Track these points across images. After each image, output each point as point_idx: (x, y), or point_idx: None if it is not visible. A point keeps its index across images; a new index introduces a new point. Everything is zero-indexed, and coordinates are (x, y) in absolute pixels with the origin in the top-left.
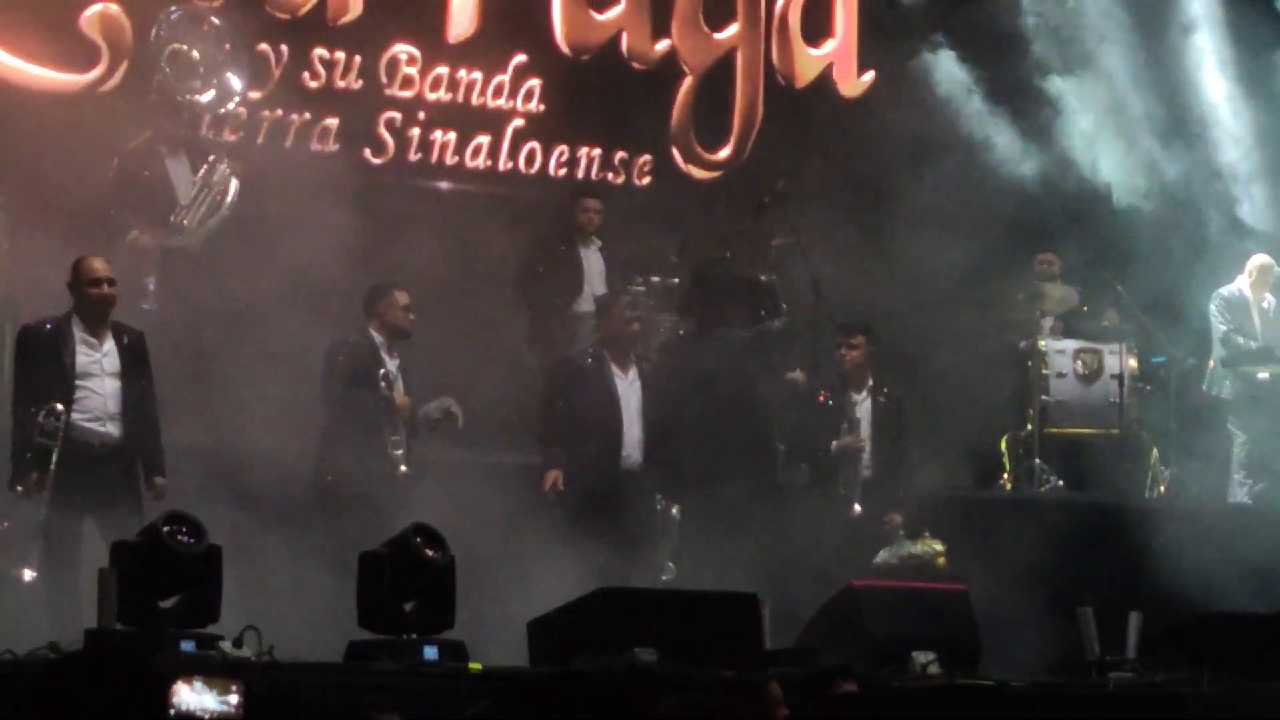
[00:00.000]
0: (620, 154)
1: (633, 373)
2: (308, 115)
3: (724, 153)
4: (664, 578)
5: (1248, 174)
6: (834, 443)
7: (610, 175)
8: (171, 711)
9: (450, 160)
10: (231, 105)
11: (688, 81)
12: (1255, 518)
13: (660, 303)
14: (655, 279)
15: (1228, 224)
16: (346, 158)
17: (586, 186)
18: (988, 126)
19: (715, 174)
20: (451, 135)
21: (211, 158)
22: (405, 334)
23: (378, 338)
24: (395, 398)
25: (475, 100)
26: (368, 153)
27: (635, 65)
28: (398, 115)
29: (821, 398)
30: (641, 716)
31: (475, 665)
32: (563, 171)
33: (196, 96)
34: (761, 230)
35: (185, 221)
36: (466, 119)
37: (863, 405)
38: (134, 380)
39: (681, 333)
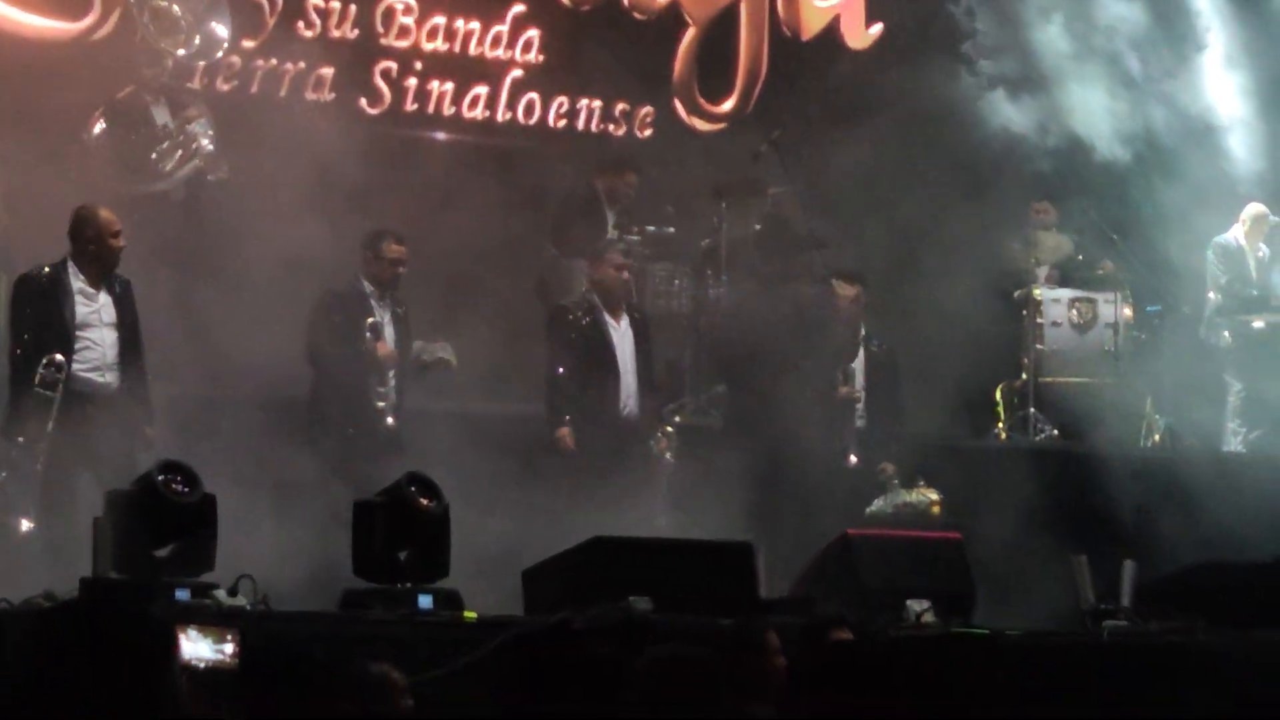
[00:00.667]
0: (621, 105)
1: (624, 322)
2: (302, 64)
3: (728, 105)
4: (659, 521)
5: (1235, 122)
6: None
7: (611, 127)
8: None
9: (447, 111)
10: (219, 55)
11: (690, 33)
12: (1250, 466)
13: (655, 251)
14: (650, 228)
15: (1216, 172)
16: (342, 107)
17: (628, 158)
18: (976, 78)
19: (719, 126)
20: (449, 85)
21: (190, 108)
22: (388, 286)
23: (368, 287)
24: (378, 348)
25: (473, 50)
26: (363, 103)
27: (637, 16)
28: (394, 65)
29: None
30: (636, 665)
31: (470, 614)
32: (562, 123)
33: (180, 50)
34: (757, 179)
35: (160, 167)
36: (464, 69)
37: (857, 355)
38: (128, 330)
39: (676, 283)
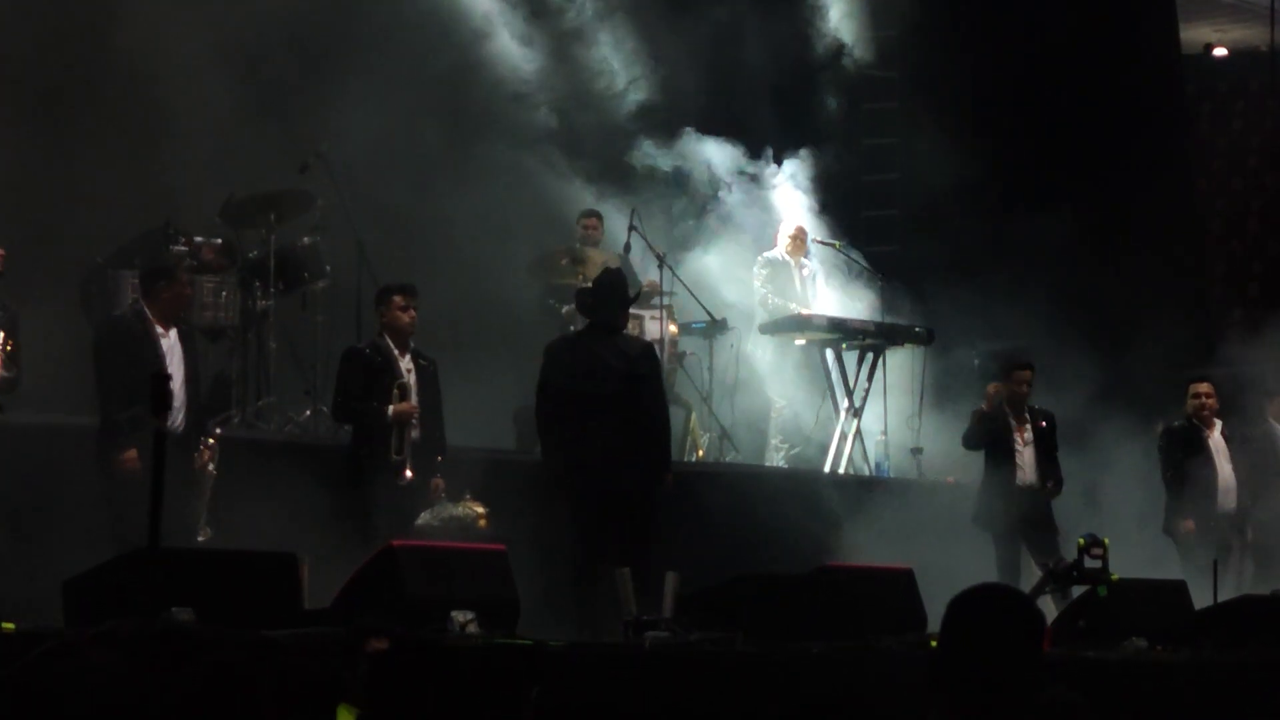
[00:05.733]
0: None
1: (174, 333)
2: None
3: None
4: (199, 538)
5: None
6: (390, 408)
7: None
8: None
9: None
10: None
11: None
12: (789, 480)
13: (202, 264)
14: (199, 239)
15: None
16: None
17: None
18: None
19: None
20: None
21: None
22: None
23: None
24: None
25: None
26: None
27: None
28: None
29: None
30: (177, 675)
31: (8, 625)
32: None
33: None
34: (306, 191)
35: None
36: None
37: (409, 368)
38: None
39: (223, 295)
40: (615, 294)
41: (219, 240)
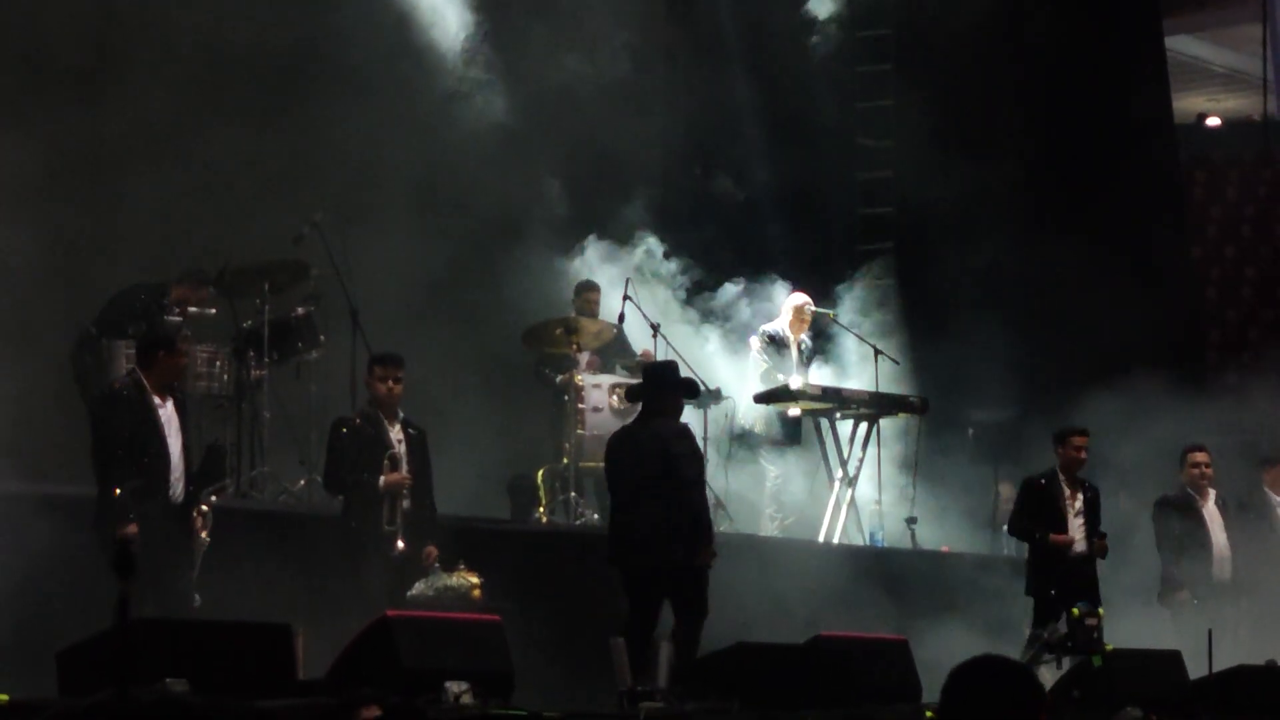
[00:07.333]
0: None
1: (170, 402)
2: None
3: None
4: (197, 600)
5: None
6: (381, 479)
7: None
8: None
9: None
10: None
11: None
12: (784, 550)
13: (196, 333)
14: (193, 310)
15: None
16: None
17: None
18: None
19: None
20: None
21: None
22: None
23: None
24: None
25: None
26: None
27: None
28: None
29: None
30: None
31: (3, 696)
32: None
33: None
34: (301, 261)
35: None
36: None
37: (399, 439)
38: None
39: (217, 365)
40: (664, 381)
41: (213, 311)
